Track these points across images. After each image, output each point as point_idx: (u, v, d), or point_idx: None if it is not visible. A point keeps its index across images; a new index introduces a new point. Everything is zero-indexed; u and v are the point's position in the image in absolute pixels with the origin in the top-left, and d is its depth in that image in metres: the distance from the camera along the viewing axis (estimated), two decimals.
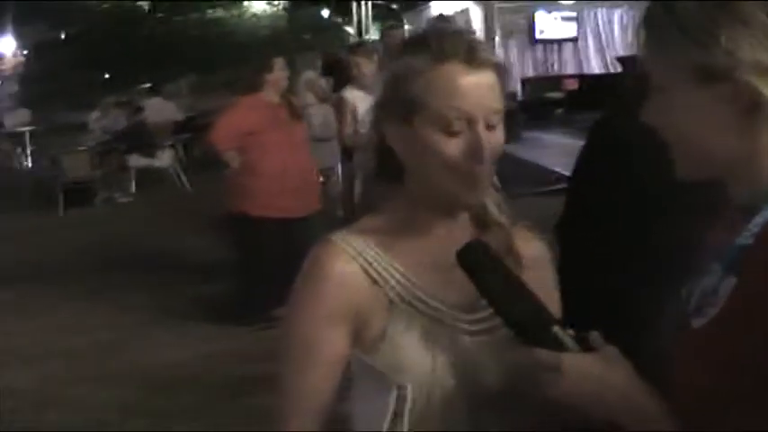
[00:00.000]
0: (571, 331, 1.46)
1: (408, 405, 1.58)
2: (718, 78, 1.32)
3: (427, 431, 1.63)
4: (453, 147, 1.61)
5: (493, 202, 1.76)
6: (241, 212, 7.26)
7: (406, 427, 1.58)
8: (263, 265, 7.26)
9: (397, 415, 1.58)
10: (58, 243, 11.55)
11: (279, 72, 7.24)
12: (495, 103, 1.63)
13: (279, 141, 7.11)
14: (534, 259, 1.79)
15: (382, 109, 1.71)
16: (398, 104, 1.66)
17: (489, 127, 1.62)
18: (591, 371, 1.41)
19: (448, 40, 1.63)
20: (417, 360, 1.62)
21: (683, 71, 1.34)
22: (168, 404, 5.88)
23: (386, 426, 1.58)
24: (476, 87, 1.61)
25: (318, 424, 1.73)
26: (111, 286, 9.06)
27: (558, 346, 1.44)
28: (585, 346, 1.44)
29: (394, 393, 1.58)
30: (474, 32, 1.82)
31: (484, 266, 1.51)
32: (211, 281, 8.69)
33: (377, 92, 1.75)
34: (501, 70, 1.66)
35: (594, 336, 1.46)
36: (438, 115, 1.61)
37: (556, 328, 1.45)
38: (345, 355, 1.69)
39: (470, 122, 1.60)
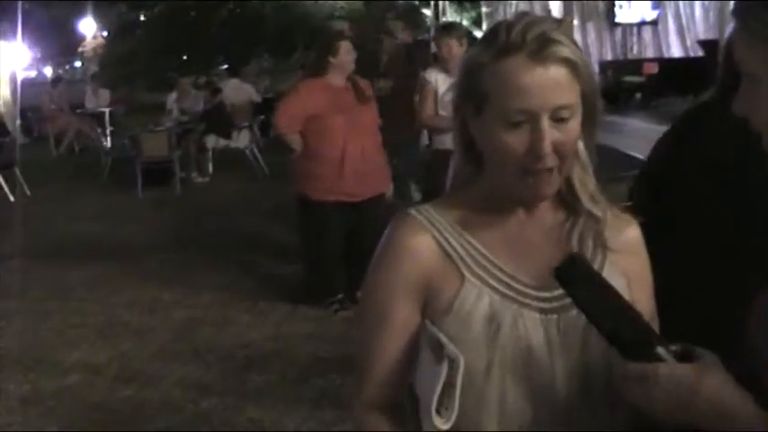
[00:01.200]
0: (674, 347, 1.44)
1: (460, 376, 1.59)
2: None
3: (484, 406, 1.65)
4: (514, 141, 1.59)
5: (587, 193, 1.74)
6: (303, 195, 7.28)
7: (457, 397, 1.59)
8: (326, 249, 7.28)
9: (449, 385, 1.60)
10: (135, 222, 11.71)
11: (344, 56, 7.18)
12: (564, 99, 1.59)
13: (341, 125, 7.06)
14: (626, 244, 1.78)
15: (459, 97, 1.71)
16: (471, 95, 1.66)
17: (559, 120, 1.59)
18: (682, 381, 1.39)
19: (515, 33, 1.59)
20: (480, 333, 1.64)
21: None
22: (241, 384, 5.92)
23: (436, 395, 1.60)
24: (540, 82, 1.57)
25: (391, 390, 1.78)
26: (187, 266, 9.18)
27: (658, 362, 1.42)
28: (688, 361, 1.42)
29: (446, 363, 1.60)
30: (559, 20, 1.79)
31: (581, 282, 1.49)
32: (286, 262, 8.75)
33: (456, 79, 1.73)
34: (575, 65, 1.60)
35: (699, 351, 1.43)
36: (501, 109, 1.59)
37: (659, 349, 1.43)
38: (417, 324, 1.72)
39: (532, 117, 1.58)
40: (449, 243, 1.71)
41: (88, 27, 36.35)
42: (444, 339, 1.63)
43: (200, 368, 6.28)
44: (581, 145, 1.69)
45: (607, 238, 1.74)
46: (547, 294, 1.68)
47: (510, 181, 1.64)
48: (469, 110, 1.67)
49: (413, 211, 1.75)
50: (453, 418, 1.59)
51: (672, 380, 1.39)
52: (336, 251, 7.27)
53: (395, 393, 1.78)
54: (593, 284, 1.48)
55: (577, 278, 1.49)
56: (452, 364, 1.60)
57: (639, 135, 12.98)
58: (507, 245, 1.72)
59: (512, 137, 1.59)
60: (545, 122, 1.57)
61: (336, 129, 7.07)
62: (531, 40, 1.57)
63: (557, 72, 1.58)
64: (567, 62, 1.59)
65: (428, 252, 1.71)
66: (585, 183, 1.74)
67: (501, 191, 1.70)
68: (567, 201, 1.75)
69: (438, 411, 1.60)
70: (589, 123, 1.67)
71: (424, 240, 1.71)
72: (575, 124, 1.62)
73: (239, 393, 5.74)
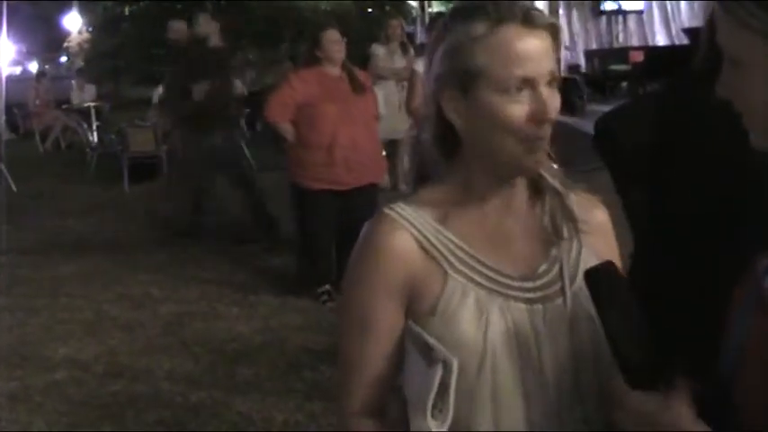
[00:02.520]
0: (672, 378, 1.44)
1: (454, 378, 1.58)
2: None
3: (477, 403, 1.64)
4: (517, 110, 1.60)
5: (547, 169, 1.74)
6: (294, 183, 7.35)
7: (452, 399, 1.58)
8: (318, 237, 7.33)
9: (444, 388, 1.59)
10: (123, 217, 11.69)
11: (328, 45, 7.18)
12: (552, 63, 1.63)
13: (332, 114, 7.09)
14: (595, 225, 1.79)
15: (440, 81, 1.69)
16: (458, 74, 1.65)
17: (550, 87, 1.62)
18: (646, 412, 1.40)
19: (504, 4, 1.62)
20: (469, 332, 1.62)
21: (759, 45, 1.32)
22: (232, 376, 5.92)
23: (431, 398, 1.58)
24: (535, 49, 1.60)
25: (378, 394, 1.76)
26: (175, 260, 9.16)
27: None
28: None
29: (440, 366, 1.59)
30: None
31: (612, 299, 1.46)
32: (274, 255, 8.76)
33: (434, 64, 1.72)
34: (556, 31, 1.65)
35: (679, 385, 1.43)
36: (499, 80, 1.60)
37: (662, 384, 1.42)
38: (401, 326, 1.71)
39: (532, 84, 1.59)
40: (428, 241, 1.69)
41: (73, 22, 36.21)
42: (434, 342, 1.61)
43: (189, 362, 6.27)
44: None
45: (577, 218, 1.74)
46: (530, 284, 1.68)
47: (508, 153, 1.63)
48: (452, 93, 1.66)
49: (389, 211, 1.73)
50: (449, 419, 1.59)
51: (638, 409, 1.41)
52: (326, 238, 7.29)
53: (381, 397, 1.77)
54: (621, 301, 1.46)
55: (608, 290, 1.47)
56: (446, 366, 1.59)
57: None
58: (487, 237, 1.71)
59: (513, 107, 1.60)
60: (544, 89, 1.60)
61: (327, 117, 7.09)
62: (520, 9, 1.61)
63: (546, 38, 1.62)
64: (552, 28, 1.64)
65: (408, 251, 1.69)
66: (546, 160, 1.73)
67: (483, 173, 1.70)
68: (534, 182, 1.75)
69: (431, 413, 1.59)
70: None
71: (404, 239, 1.69)
72: (557, 91, 1.65)
73: (228, 387, 5.74)
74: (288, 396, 5.51)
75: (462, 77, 1.64)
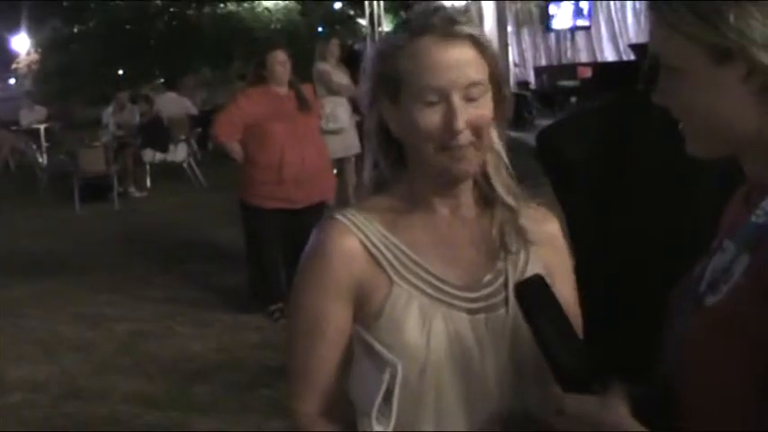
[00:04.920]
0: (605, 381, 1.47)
1: (399, 383, 1.62)
2: (731, 58, 1.32)
3: (420, 408, 1.66)
4: (430, 119, 1.64)
5: (501, 182, 1.77)
6: (244, 202, 7.37)
7: (395, 403, 1.62)
8: (268, 255, 7.34)
9: (389, 392, 1.62)
10: (75, 238, 11.59)
11: (274, 66, 7.21)
12: (473, 75, 1.65)
13: (280, 132, 7.12)
14: (546, 238, 1.82)
15: (373, 89, 1.74)
16: (385, 81, 1.70)
17: (469, 100, 1.65)
18: (586, 413, 1.41)
19: (424, 16, 1.67)
20: (413, 338, 1.65)
21: (695, 52, 1.35)
22: (189, 396, 5.90)
23: (377, 402, 1.62)
24: (451, 60, 1.64)
25: (326, 397, 1.78)
26: (130, 279, 9.09)
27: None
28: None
29: (387, 371, 1.62)
30: (466, 11, 1.85)
31: (541, 308, 1.50)
32: (228, 273, 8.73)
33: (366, 73, 1.76)
34: (480, 43, 1.67)
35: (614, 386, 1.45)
36: (417, 88, 1.64)
37: (596, 385, 1.45)
38: (349, 329, 1.74)
39: (444, 94, 1.63)
40: (376, 247, 1.72)
41: (22, 43, 35.85)
42: (379, 347, 1.65)
43: (145, 382, 6.23)
44: (494, 134, 1.74)
45: (527, 231, 1.77)
46: (473, 295, 1.71)
47: (429, 161, 1.67)
48: (385, 99, 1.71)
49: (338, 216, 1.76)
50: (392, 423, 1.63)
51: (577, 411, 1.42)
52: (276, 257, 7.29)
53: (332, 398, 1.78)
54: (550, 310, 1.50)
55: (537, 300, 1.51)
56: (390, 371, 1.62)
57: None
58: (434, 245, 1.74)
59: (427, 115, 1.64)
60: (456, 99, 1.63)
61: (275, 136, 7.11)
62: (440, 20, 1.65)
63: (464, 50, 1.65)
64: (472, 39, 1.66)
65: (356, 256, 1.72)
66: (500, 171, 1.77)
67: (424, 180, 1.73)
68: (485, 193, 1.78)
69: (376, 417, 1.62)
70: (500, 109, 1.72)
71: (352, 244, 1.72)
72: (486, 101, 1.68)
73: (186, 406, 5.71)
74: (246, 414, 5.49)
75: (389, 84, 1.69)
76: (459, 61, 1.64)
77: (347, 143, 10.00)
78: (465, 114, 1.63)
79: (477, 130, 1.66)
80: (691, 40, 1.35)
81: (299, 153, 7.17)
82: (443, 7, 1.69)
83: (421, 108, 1.64)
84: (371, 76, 1.74)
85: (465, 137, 1.64)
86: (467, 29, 1.66)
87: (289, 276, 7.15)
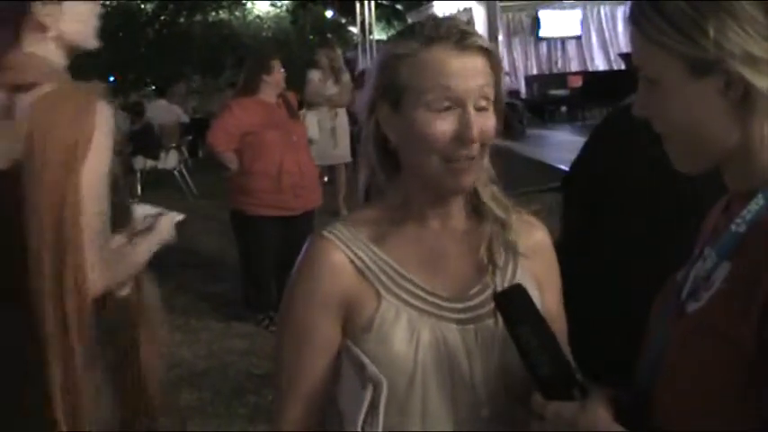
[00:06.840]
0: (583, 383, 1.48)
1: (384, 398, 1.62)
2: (710, 70, 1.33)
3: (407, 418, 1.67)
4: (442, 126, 1.63)
5: (489, 194, 1.78)
6: (240, 211, 7.32)
7: (381, 418, 1.62)
8: (264, 263, 7.31)
9: (373, 407, 1.62)
10: None
11: (277, 74, 7.25)
12: (485, 87, 1.66)
13: (275, 141, 7.12)
14: (535, 248, 1.82)
15: (374, 97, 1.73)
16: (388, 89, 1.69)
17: (479, 110, 1.65)
18: (564, 417, 1.43)
19: (439, 25, 1.66)
20: (401, 350, 1.65)
21: (674, 64, 1.36)
22: (175, 402, 5.88)
23: (361, 417, 1.62)
24: (465, 69, 1.64)
25: (313, 410, 1.77)
26: None
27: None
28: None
29: (370, 386, 1.62)
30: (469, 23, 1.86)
31: (521, 317, 1.51)
32: (217, 280, 8.72)
33: (368, 81, 1.76)
34: (492, 56, 1.68)
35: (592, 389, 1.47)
36: (427, 96, 1.64)
37: (575, 391, 1.46)
38: (337, 341, 1.73)
39: (459, 103, 1.63)
40: (363, 262, 1.72)
41: None
42: (366, 361, 1.64)
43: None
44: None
45: (516, 242, 1.77)
46: (462, 305, 1.71)
47: (433, 171, 1.67)
48: (386, 107, 1.70)
49: (325, 233, 1.75)
50: None
51: (556, 416, 1.43)
52: (269, 266, 7.30)
53: (318, 409, 1.77)
54: (529, 319, 1.51)
55: (517, 310, 1.52)
56: (376, 386, 1.62)
57: (565, 147, 13.15)
58: (422, 258, 1.74)
59: (439, 124, 1.63)
60: (471, 109, 1.63)
61: (272, 144, 7.12)
62: (454, 31, 1.64)
63: (478, 60, 1.66)
64: (485, 51, 1.67)
65: (343, 272, 1.71)
66: (487, 185, 1.78)
67: (419, 191, 1.73)
68: (475, 205, 1.78)
69: (362, 428, 1.62)
70: (498, 122, 1.72)
71: (339, 260, 1.72)
72: (492, 113, 1.68)
73: (173, 412, 5.69)
74: (232, 421, 5.49)
75: (392, 92, 1.68)
76: (475, 72, 1.65)
77: (327, 151, 10.25)
78: (478, 124, 1.64)
79: (484, 143, 1.67)
80: (669, 53, 1.36)
81: (295, 161, 7.20)
82: (454, 18, 1.71)
83: (429, 115, 1.64)
84: (372, 85, 1.73)
85: (474, 149, 1.65)
86: (480, 41, 1.67)
87: (282, 284, 7.13)
